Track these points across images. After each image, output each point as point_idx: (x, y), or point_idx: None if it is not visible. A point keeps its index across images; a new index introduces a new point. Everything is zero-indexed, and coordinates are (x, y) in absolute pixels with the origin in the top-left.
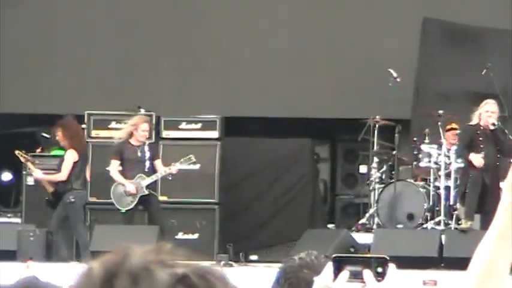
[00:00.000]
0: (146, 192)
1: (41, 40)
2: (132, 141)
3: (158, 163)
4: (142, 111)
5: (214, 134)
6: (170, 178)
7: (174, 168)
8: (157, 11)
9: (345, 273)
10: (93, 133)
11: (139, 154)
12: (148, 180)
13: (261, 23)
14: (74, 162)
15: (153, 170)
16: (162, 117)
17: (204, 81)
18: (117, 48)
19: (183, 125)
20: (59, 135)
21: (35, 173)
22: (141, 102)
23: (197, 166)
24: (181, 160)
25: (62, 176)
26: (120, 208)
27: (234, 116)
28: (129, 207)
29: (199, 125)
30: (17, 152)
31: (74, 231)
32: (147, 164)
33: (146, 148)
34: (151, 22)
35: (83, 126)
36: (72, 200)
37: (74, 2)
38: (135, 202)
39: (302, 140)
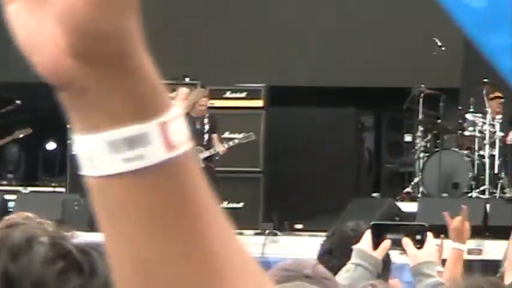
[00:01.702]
0: (202, 165)
1: None
2: (192, 113)
3: (215, 137)
4: (187, 80)
5: (259, 103)
6: (221, 153)
7: (232, 144)
8: None
9: (387, 242)
10: None
11: (198, 126)
12: (206, 153)
13: None
14: None
15: (211, 142)
16: (207, 87)
17: (249, 50)
18: (160, 16)
19: (228, 94)
20: None
21: None
22: (186, 71)
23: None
24: (241, 137)
25: None
26: None
27: (279, 85)
28: None
29: (244, 94)
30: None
31: None
32: (206, 136)
33: (206, 120)
34: None
35: None
36: None
37: None
38: None
39: (346, 109)
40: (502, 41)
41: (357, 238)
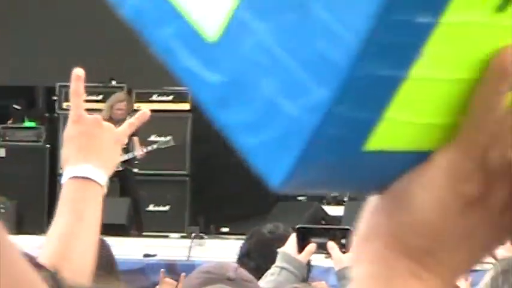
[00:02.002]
0: (121, 168)
1: (9, 7)
2: (113, 116)
3: (135, 140)
4: (114, 83)
5: (186, 106)
6: (138, 157)
7: (150, 149)
8: None
9: (312, 246)
10: (65, 105)
11: None
12: (124, 156)
13: None
14: None
15: (131, 146)
16: (134, 90)
17: None
18: (89, 18)
19: (155, 97)
20: None
21: None
22: (113, 74)
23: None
24: (160, 142)
25: None
26: None
27: None
28: None
29: (170, 97)
30: None
31: None
32: (126, 140)
33: None
34: None
35: (54, 98)
36: None
37: None
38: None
39: None
40: (239, 117)
41: (275, 240)
